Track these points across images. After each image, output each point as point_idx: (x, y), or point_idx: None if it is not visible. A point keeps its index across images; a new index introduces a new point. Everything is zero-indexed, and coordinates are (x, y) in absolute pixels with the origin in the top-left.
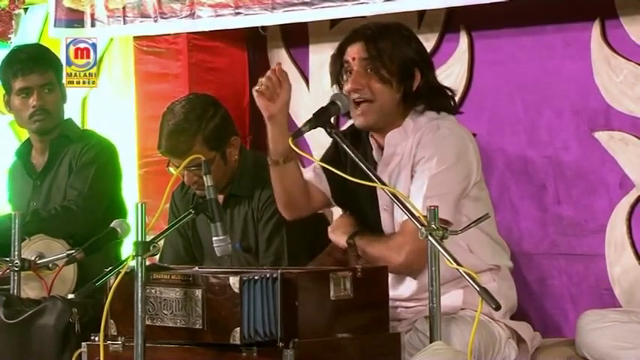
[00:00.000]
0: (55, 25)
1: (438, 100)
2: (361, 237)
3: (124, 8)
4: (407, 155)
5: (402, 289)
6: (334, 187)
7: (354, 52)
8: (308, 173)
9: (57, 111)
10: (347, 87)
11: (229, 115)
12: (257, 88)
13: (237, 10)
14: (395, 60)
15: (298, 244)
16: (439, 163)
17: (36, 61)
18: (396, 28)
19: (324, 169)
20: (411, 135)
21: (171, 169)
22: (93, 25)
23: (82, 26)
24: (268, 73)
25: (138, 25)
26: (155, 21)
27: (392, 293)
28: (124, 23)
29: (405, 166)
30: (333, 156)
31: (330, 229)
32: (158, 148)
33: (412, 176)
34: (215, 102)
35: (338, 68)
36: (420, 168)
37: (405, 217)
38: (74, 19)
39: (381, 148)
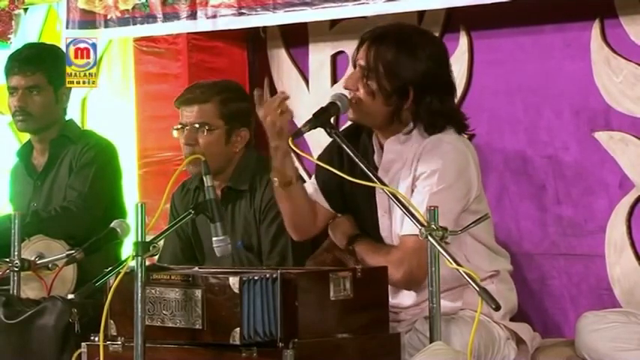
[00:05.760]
0: (67, 27)
1: (437, 123)
2: (360, 244)
3: (132, 9)
4: (407, 166)
5: (401, 298)
6: (330, 193)
7: (359, 53)
8: (308, 189)
9: (42, 113)
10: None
11: (252, 113)
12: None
13: (240, 11)
14: (389, 76)
15: (304, 244)
16: (440, 181)
17: (26, 61)
18: (408, 39)
19: (318, 171)
20: (413, 143)
21: (175, 133)
22: (106, 25)
23: (95, 27)
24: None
25: (146, 26)
26: (162, 21)
27: (391, 301)
28: (134, 24)
29: (405, 177)
30: (329, 159)
31: (330, 226)
32: (175, 101)
33: (412, 190)
34: (246, 95)
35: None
36: (421, 184)
37: (405, 229)
38: (87, 20)
39: (383, 150)
